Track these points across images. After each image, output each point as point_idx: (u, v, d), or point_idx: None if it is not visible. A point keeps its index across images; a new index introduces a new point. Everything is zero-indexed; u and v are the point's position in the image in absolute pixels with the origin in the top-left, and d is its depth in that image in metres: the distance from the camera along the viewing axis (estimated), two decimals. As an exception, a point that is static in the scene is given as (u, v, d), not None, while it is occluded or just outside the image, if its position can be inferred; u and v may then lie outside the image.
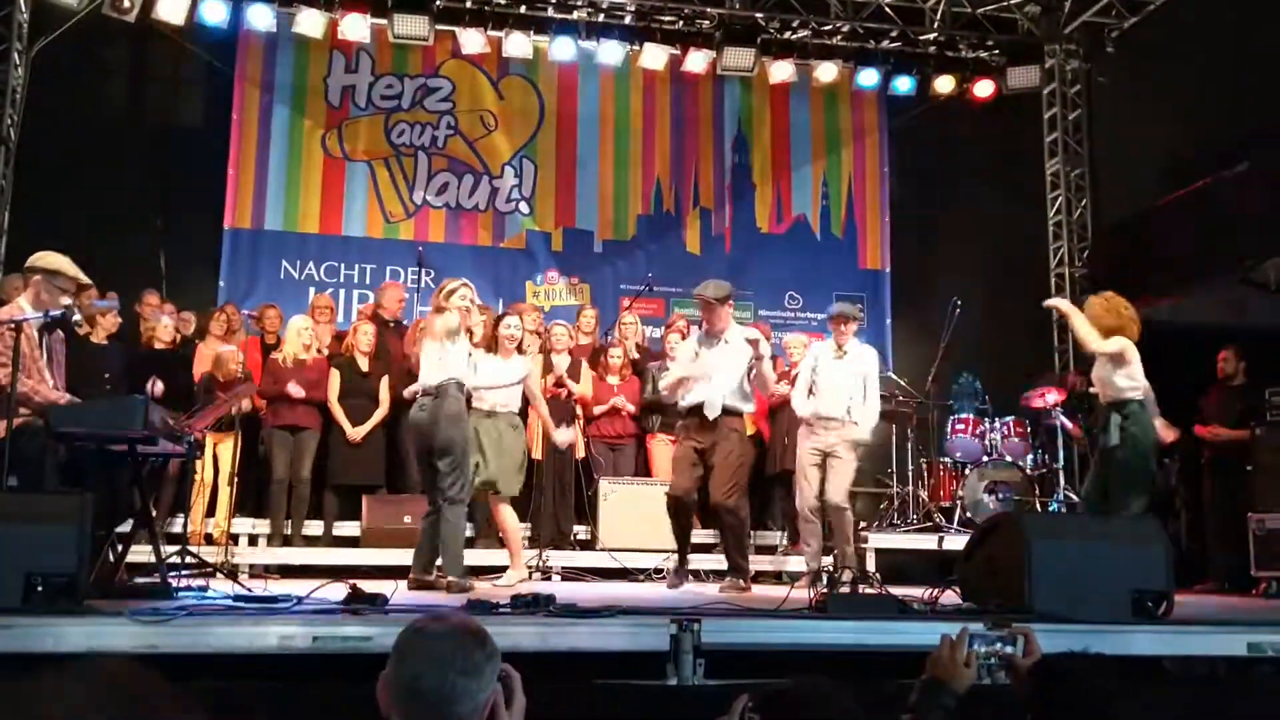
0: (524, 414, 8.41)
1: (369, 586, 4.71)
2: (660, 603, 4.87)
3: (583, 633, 3.95)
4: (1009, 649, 2.66)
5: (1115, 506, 6.11)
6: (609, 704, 3.87)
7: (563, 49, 10.82)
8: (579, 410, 8.62)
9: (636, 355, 9.19)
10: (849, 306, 7.54)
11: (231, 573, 7.12)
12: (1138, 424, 6.21)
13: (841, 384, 7.21)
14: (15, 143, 9.81)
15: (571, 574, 7.93)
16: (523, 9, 10.74)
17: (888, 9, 11.35)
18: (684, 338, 8.95)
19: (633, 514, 8.21)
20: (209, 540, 8.03)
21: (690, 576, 7.34)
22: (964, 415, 9.66)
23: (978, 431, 9.51)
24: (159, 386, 7.93)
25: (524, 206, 11.21)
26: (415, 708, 1.97)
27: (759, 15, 11.04)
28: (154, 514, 7.22)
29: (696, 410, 6.70)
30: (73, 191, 9.80)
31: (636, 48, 10.97)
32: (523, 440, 7.09)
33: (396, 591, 4.74)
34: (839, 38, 11.41)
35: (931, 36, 11.47)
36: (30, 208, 9.77)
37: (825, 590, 4.50)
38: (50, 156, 9.85)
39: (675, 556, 7.08)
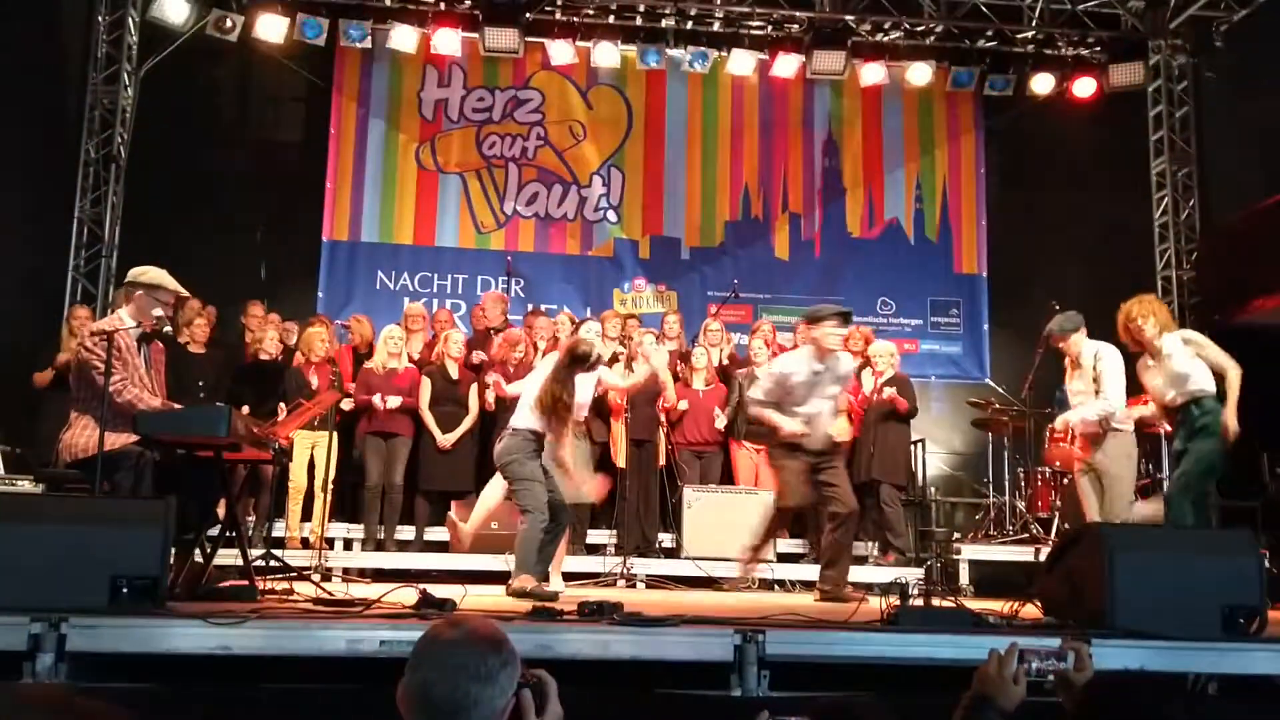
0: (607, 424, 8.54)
1: (444, 591, 4.77)
2: (725, 613, 4.82)
3: (645, 641, 3.94)
4: (1061, 664, 2.56)
5: None
6: (671, 714, 3.86)
7: (651, 57, 10.87)
8: (663, 418, 8.60)
9: (726, 361, 9.14)
10: (1057, 322, 7.15)
11: (325, 575, 7.30)
12: None
13: (1083, 395, 6.92)
14: (125, 160, 10.23)
15: (656, 582, 7.92)
16: (611, 19, 10.83)
17: (983, 8, 11.12)
18: (767, 345, 8.91)
19: (717, 522, 8.15)
20: (305, 544, 8.21)
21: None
22: (1063, 423, 9.35)
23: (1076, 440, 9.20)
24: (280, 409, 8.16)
25: (612, 215, 11.29)
26: (428, 715, 1.97)
27: (849, 18, 10.91)
28: (245, 518, 7.46)
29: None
30: (179, 206, 10.20)
31: (724, 54, 10.99)
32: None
33: (466, 596, 4.79)
34: (933, 38, 11.24)
35: (1030, 34, 11.21)
36: (139, 222, 10.19)
37: (896, 602, 4.40)
38: (158, 173, 10.26)
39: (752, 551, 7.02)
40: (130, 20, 10.37)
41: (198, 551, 5.19)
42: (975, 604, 5.68)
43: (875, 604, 4.63)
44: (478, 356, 8.89)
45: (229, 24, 10.18)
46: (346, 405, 8.36)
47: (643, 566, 8.04)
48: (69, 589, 3.92)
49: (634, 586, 7.79)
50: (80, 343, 5.24)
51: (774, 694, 3.87)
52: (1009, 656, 2.47)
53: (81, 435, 5.09)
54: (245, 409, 7.82)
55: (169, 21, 10.09)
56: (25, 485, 5.88)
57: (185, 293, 5.65)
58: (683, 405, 8.65)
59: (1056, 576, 4.77)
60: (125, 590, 4.02)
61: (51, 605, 3.74)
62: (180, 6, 10.04)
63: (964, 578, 8.47)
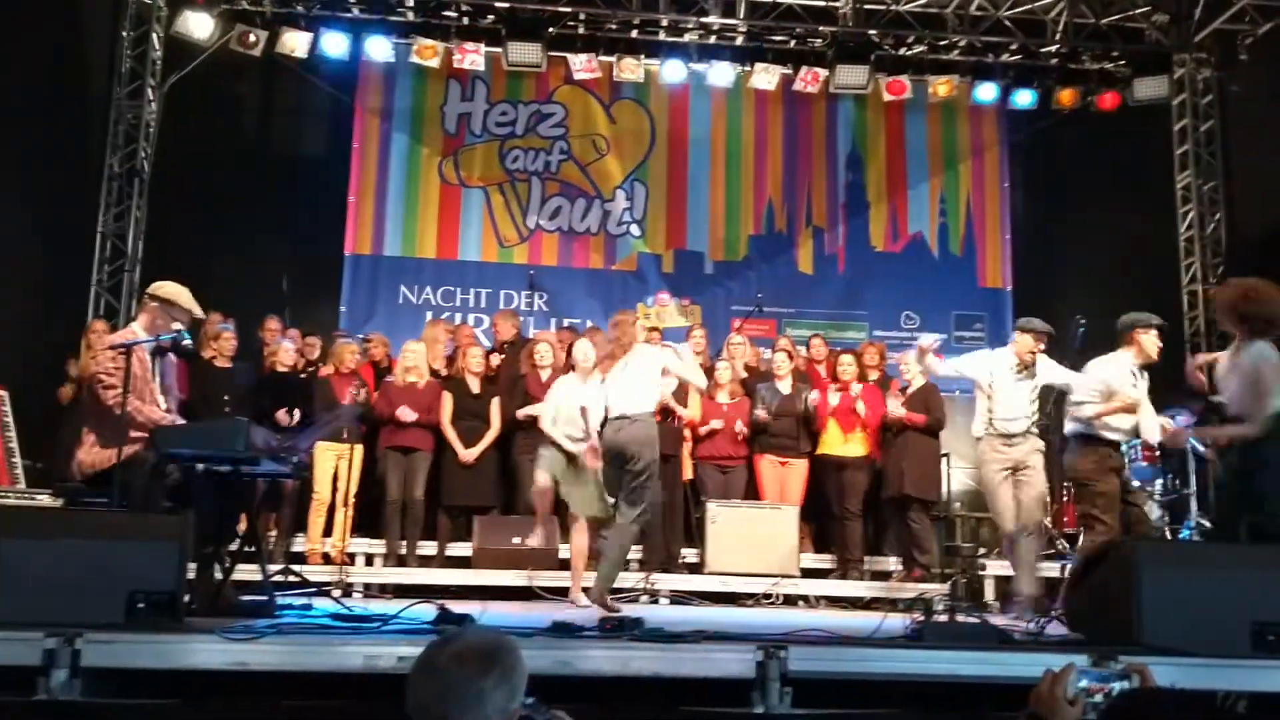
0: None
1: (464, 607, 4.74)
2: (748, 629, 4.76)
3: (666, 658, 3.88)
4: (1122, 686, 2.46)
5: None
6: (692, 732, 3.80)
7: (674, 72, 10.89)
8: (687, 433, 8.55)
9: (744, 375, 9.07)
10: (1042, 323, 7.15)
11: (346, 591, 7.28)
12: None
13: (1027, 399, 6.93)
14: (149, 174, 10.30)
15: (680, 598, 7.85)
16: (634, 33, 10.85)
17: (1007, 22, 11.07)
18: (791, 358, 8.88)
19: (741, 537, 8.08)
20: (327, 559, 8.18)
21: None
22: (1089, 438, 9.25)
23: (1103, 455, 9.09)
24: (295, 416, 8.15)
25: (635, 229, 11.28)
26: None
27: (873, 32, 10.88)
28: (265, 533, 7.43)
29: None
30: (202, 221, 10.24)
31: (748, 68, 10.97)
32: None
33: (485, 612, 4.75)
34: (956, 52, 11.20)
35: (1054, 48, 11.16)
36: (162, 237, 10.25)
37: (920, 618, 4.33)
38: (181, 187, 10.31)
39: None
40: (154, 35, 10.46)
41: (217, 566, 5.17)
42: (1001, 620, 5.61)
43: (899, 620, 4.56)
44: (495, 359, 8.93)
45: (253, 39, 10.25)
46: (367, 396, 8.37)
47: (666, 582, 7.97)
48: (85, 604, 3.91)
49: (657, 602, 7.72)
50: (93, 357, 5.24)
51: (797, 711, 3.81)
52: (1063, 676, 2.39)
53: (89, 453, 5.09)
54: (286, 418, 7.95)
55: (193, 37, 10.16)
56: (45, 499, 5.88)
57: (200, 314, 5.58)
58: (716, 424, 8.60)
59: (1083, 592, 4.70)
60: (142, 605, 4.00)
61: (67, 620, 3.72)
62: (204, 22, 10.11)
63: (989, 594, 8.37)
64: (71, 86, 9.95)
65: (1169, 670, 3.88)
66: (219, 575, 5.16)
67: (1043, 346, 6.94)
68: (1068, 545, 8.82)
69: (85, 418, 5.20)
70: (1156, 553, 4.54)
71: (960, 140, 11.71)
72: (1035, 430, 7.02)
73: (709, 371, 8.94)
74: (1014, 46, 11.18)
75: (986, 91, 11.16)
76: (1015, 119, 11.59)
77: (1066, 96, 11.07)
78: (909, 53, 11.16)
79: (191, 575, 4.60)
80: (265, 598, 5.13)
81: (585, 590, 6.77)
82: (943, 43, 11.12)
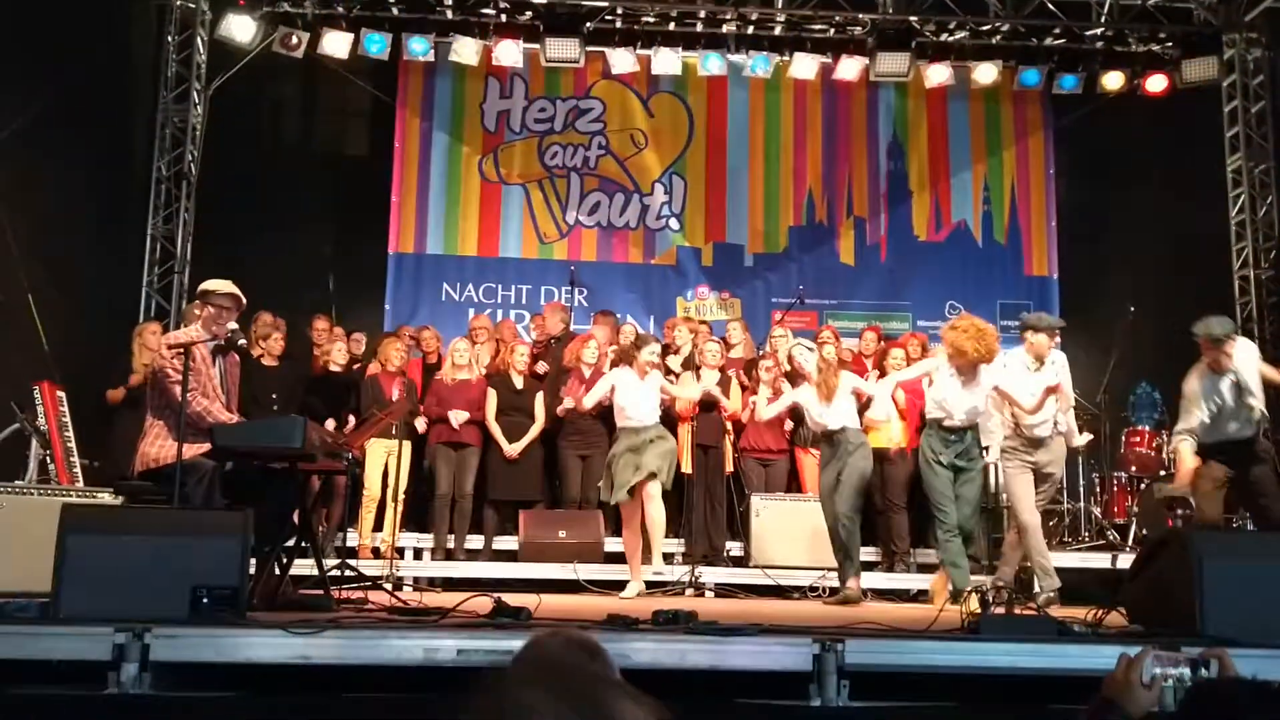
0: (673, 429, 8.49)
1: (524, 601, 4.77)
2: (803, 621, 4.75)
3: (722, 650, 3.88)
4: (1201, 673, 2.43)
5: None
6: (752, 724, 3.80)
7: (712, 64, 10.83)
8: (729, 427, 8.54)
9: (788, 368, 9.04)
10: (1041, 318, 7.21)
11: (396, 585, 7.34)
12: None
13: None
14: (195, 177, 10.43)
15: (725, 591, 7.85)
16: (671, 26, 10.80)
17: (1051, 5, 10.92)
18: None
19: (785, 530, 8.07)
20: (376, 554, 8.27)
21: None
22: (1140, 427, 9.20)
23: (1154, 444, 9.03)
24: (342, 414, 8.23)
25: (674, 223, 11.28)
26: None
27: (913, 19, 10.79)
28: (320, 529, 7.52)
29: None
30: (249, 221, 10.35)
31: (786, 58, 10.90)
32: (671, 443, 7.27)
33: (540, 605, 4.77)
34: (999, 37, 11.07)
35: (1099, 31, 11.00)
36: (210, 238, 10.37)
37: (978, 610, 4.30)
38: (228, 189, 10.43)
39: None
40: (199, 40, 10.60)
41: (275, 562, 5.23)
42: (1055, 612, 5.55)
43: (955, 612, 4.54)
44: (541, 366, 8.93)
45: (295, 41, 10.32)
46: (420, 426, 8.45)
47: (711, 575, 7.97)
48: (150, 600, 3.96)
49: (702, 595, 7.71)
50: (158, 352, 5.31)
51: (854, 704, 3.80)
52: (1138, 661, 2.37)
53: (153, 446, 5.16)
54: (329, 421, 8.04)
55: (236, 40, 10.26)
56: (105, 498, 5.97)
57: (240, 295, 5.60)
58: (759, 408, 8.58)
59: (1142, 583, 4.64)
60: (205, 600, 4.05)
61: (133, 616, 3.78)
62: (247, 25, 10.20)
63: (1038, 585, 8.28)
64: (118, 92, 10.09)
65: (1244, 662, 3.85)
66: (277, 571, 5.23)
67: (1057, 341, 6.94)
68: (1118, 536, 8.75)
69: (151, 411, 5.26)
70: (1218, 543, 4.47)
71: (1004, 126, 11.60)
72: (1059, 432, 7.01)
73: (752, 364, 8.93)
74: (1057, 30, 11.03)
75: (1030, 77, 10.99)
76: (1060, 104, 11.44)
77: (1112, 80, 10.89)
78: (950, 39, 11.04)
79: (251, 571, 4.65)
80: (322, 592, 5.18)
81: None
82: (985, 27, 11.01)
